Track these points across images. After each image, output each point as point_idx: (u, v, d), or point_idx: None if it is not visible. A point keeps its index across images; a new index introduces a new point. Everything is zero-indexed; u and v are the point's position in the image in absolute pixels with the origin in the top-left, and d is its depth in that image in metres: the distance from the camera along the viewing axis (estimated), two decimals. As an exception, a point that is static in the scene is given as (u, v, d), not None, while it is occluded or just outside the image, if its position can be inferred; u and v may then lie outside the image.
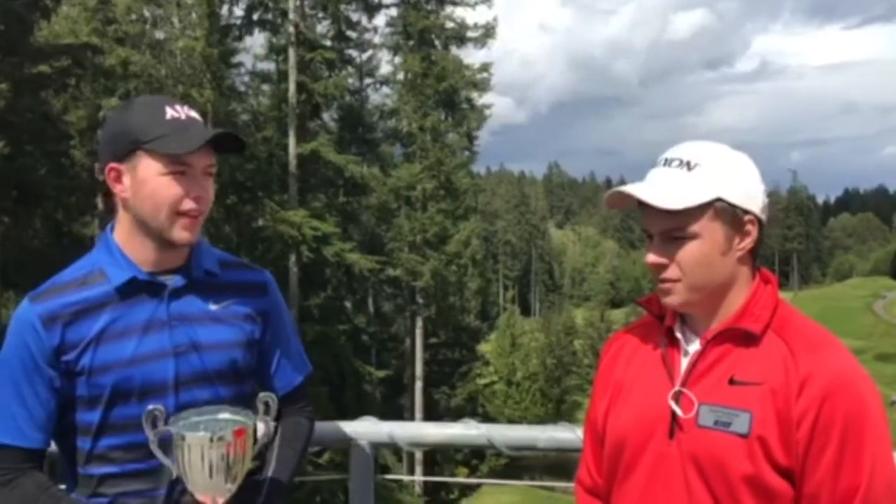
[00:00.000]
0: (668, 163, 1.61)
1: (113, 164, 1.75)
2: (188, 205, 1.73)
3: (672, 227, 1.57)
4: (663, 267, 1.59)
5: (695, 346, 1.62)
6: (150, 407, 1.62)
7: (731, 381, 1.54)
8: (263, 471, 1.89)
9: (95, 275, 1.78)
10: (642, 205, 1.59)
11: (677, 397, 1.58)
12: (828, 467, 1.46)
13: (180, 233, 1.75)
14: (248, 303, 1.90)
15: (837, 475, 1.46)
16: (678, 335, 1.65)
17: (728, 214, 1.57)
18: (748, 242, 1.59)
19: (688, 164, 1.58)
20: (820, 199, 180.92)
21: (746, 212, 1.58)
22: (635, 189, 1.59)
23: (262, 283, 1.97)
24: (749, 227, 1.58)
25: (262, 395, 1.70)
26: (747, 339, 1.56)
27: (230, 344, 1.85)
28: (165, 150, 1.69)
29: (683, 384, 1.58)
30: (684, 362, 1.62)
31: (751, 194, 1.58)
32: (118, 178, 1.76)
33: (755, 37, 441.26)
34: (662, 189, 1.57)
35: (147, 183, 1.72)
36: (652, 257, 1.60)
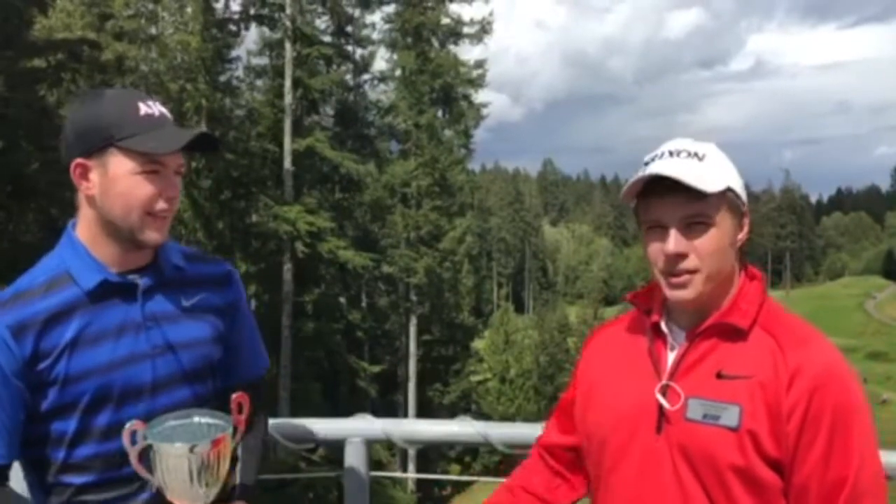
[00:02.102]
0: (675, 154, 1.59)
1: (80, 160, 1.68)
2: (161, 205, 1.68)
3: (694, 213, 1.55)
4: (682, 257, 1.55)
5: (681, 341, 1.62)
6: (128, 424, 1.55)
7: (719, 376, 1.55)
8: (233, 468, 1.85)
9: (62, 278, 1.71)
10: (653, 194, 1.56)
11: (664, 391, 1.58)
12: (817, 459, 1.47)
13: (151, 234, 1.69)
14: (215, 296, 1.86)
15: (827, 466, 1.47)
16: (665, 330, 1.65)
17: (736, 205, 1.59)
18: (744, 235, 1.61)
19: (696, 154, 1.58)
20: (813, 198, 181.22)
21: (744, 204, 1.61)
22: (677, 172, 1.53)
23: (226, 274, 1.93)
24: (745, 219, 1.61)
25: (234, 396, 1.66)
26: (734, 335, 1.57)
27: (204, 341, 1.81)
28: (143, 149, 1.64)
29: (671, 378, 1.59)
30: (670, 357, 1.62)
31: (742, 189, 1.61)
32: (84, 175, 1.68)
33: (750, 36, 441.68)
34: (695, 173, 1.54)
35: (119, 181, 1.66)
36: (674, 246, 1.54)
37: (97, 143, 1.66)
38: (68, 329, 1.66)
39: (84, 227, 1.74)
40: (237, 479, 1.84)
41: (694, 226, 1.55)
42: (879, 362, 72.92)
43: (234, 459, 1.85)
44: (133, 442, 1.55)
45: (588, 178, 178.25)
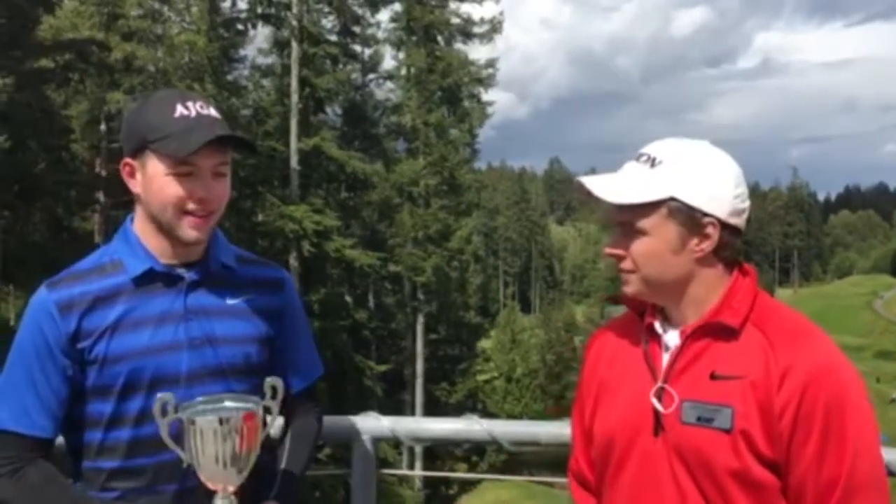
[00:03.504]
0: (638, 157, 1.63)
1: (127, 160, 1.76)
2: (192, 206, 1.72)
3: (623, 220, 1.60)
4: (619, 258, 1.62)
5: (675, 342, 1.62)
6: (160, 395, 1.60)
7: (713, 376, 1.54)
8: (275, 467, 1.88)
9: (113, 264, 1.78)
10: None
11: (659, 394, 1.59)
12: (811, 457, 1.46)
13: (187, 231, 1.73)
14: (264, 299, 1.89)
15: (821, 465, 1.46)
16: (659, 331, 1.66)
17: (682, 214, 1.56)
18: (707, 245, 1.57)
19: (653, 160, 1.59)
20: (821, 197, 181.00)
21: (706, 214, 1.55)
22: (590, 180, 1.61)
23: (278, 279, 1.96)
24: (709, 229, 1.56)
25: (268, 379, 1.68)
26: (726, 333, 1.56)
27: (245, 339, 1.83)
28: (166, 152, 1.69)
29: (665, 380, 1.59)
30: (665, 358, 1.62)
31: (715, 197, 1.55)
32: (132, 174, 1.76)
33: (757, 34, 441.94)
34: (618, 183, 1.59)
35: (154, 181, 1.72)
36: (608, 246, 1.65)
37: (136, 145, 1.74)
38: (112, 312, 1.73)
39: (138, 220, 1.81)
40: (280, 469, 1.88)
41: (627, 231, 1.60)
42: (888, 361, 72.64)
43: (277, 456, 1.90)
44: (163, 414, 1.59)
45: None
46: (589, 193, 1.60)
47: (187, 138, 1.68)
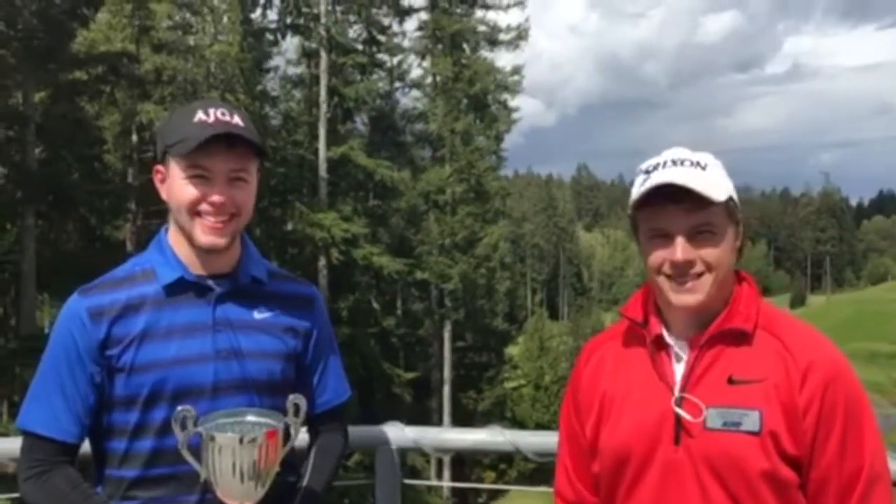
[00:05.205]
0: (678, 163, 1.61)
1: (157, 166, 1.81)
2: (204, 207, 1.73)
3: (701, 222, 1.58)
4: (690, 264, 1.58)
5: (684, 350, 1.63)
6: (180, 408, 1.60)
7: (730, 381, 1.57)
8: (299, 481, 1.89)
9: (145, 273, 1.81)
10: (657, 203, 1.58)
11: (680, 403, 1.59)
12: (834, 451, 1.53)
13: (200, 235, 1.75)
14: (293, 315, 1.90)
15: (843, 457, 1.53)
16: (668, 341, 1.65)
17: (735, 213, 1.62)
18: (740, 242, 1.64)
19: (699, 164, 1.60)
20: (853, 202, 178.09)
21: (740, 212, 1.64)
22: (687, 181, 1.55)
23: (309, 297, 1.97)
24: (740, 227, 1.64)
25: (291, 396, 1.68)
26: (740, 339, 1.59)
27: (271, 354, 1.84)
28: (174, 153, 1.73)
29: (683, 389, 1.59)
30: (678, 368, 1.62)
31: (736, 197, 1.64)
32: (162, 180, 1.80)
33: (787, 38, 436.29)
34: (699, 183, 1.56)
35: (173, 185, 1.76)
36: (682, 254, 1.56)
37: (160, 151, 1.78)
38: (140, 320, 1.75)
39: (171, 230, 1.84)
40: (304, 484, 1.88)
41: (700, 234, 1.58)
42: (924, 369, 71.14)
43: (301, 471, 1.90)
44: (183, 427, 1.60)
45: (623, 182, 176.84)
46: (680, 192, 1.55)
47: (195, 139, 1.69)
